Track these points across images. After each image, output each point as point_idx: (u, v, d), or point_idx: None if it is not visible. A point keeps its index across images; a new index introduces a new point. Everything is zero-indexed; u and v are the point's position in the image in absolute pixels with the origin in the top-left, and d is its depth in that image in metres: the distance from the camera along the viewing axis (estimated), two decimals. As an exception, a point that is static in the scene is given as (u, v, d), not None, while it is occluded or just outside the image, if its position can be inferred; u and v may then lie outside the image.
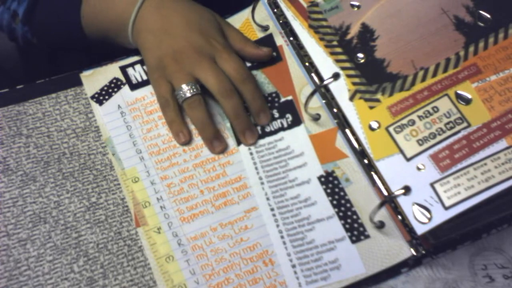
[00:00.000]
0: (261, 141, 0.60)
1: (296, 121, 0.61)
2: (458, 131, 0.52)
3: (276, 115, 0.62)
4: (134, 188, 0.58)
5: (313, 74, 0.61)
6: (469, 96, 0.53)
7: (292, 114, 0.62)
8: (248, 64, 0.65)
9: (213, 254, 0.54)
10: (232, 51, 0.62)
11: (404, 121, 0.54)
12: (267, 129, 0.61)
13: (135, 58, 0.67)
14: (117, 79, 0.65)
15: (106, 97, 0.64)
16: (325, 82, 0.58)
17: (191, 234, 0.55)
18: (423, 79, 0.55)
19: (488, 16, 0.55)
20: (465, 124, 0.52)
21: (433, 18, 0.57)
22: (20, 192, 0.57)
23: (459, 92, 0.53)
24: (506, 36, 0.54)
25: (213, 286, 0.52)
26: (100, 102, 0.63)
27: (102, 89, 0.64)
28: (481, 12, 0.55)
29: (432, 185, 0.50)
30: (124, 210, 0.57)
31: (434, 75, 0.55)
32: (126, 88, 0.64)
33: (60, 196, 0.57)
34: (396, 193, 0.51)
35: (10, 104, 0.63)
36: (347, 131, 0.58)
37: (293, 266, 0.53)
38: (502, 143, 0.50)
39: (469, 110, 0.52)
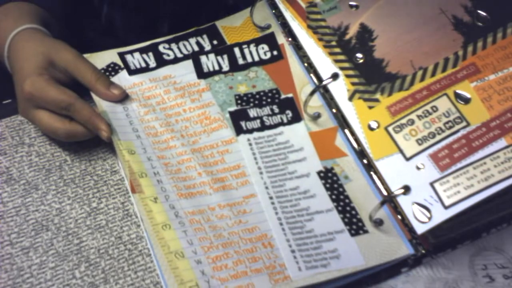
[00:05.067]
0: (261, 134, 0.60)
1: (296, 118, 0.61)
2: (457, 131, 0.52)
3: (276, 110, 0.62)
4: (130, 158, 0.57)
5: (312, 75, 0.62)
6: (468, 95, 0.53)
7: (292, 110, 0.62)
8: (249, 60, 0.66)
9: (212, 230, 0.53)
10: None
11: (404, 121, 0.54)
12: (267, 123, 0.61)
13: (134, 46, 0.67)
14: (115, 64, 0.65)
15: None
16: (324, 83, 0.58)
17: (189, 209, 0.54)
18: (422, 79, 0.55)
19: (487, 15, 0.55)
20: (464, 124, 0.52)
21: (432, 18, 0.57)
22: (22, 201, 0.58)
23: (458, 91, 0.53)
24: (504, 36, 0.54)
25: (212, 258, 0.51)
26: None
27: None
28: (479, 11, 0.55)
29: (431, 184, 0.51)
30: (124, 214, 0.57)
31: (433, 74, 0.55)
32: (124, 73, 0.64)
33: (61, 203, 0.58)
34: (396, 192, 0.51)
35: (13, 114, 0.63)
36: (346, 131, 0.58)
37: (293, 251, 0.52)
38: (501, 142, 0.50)
39: (468, 109, 0.52)
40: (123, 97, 0.62)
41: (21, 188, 0.58)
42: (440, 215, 0.49)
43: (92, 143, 0.61)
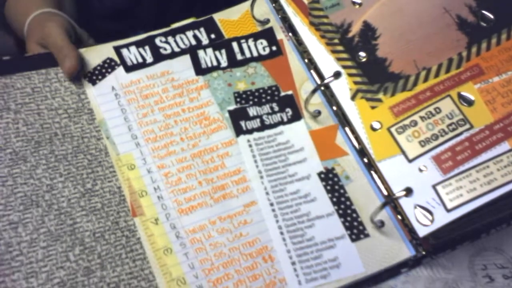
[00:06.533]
0: (261, 134, 0.60)
1: (296, 116, 0.61)
2: (461, 133, 0.52)
3: (276, 108, 0.61)
4: (130, 175, 0.57)
5: (312, 71, 0.61)
6: (472, 97, 0.53)
7: (292, 108, 0.61)
8: (248, 56, 0.65)
9: (212, 248, 0.53)
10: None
11: (406, 122, 0.54)
12: (267, 122, 0.60)
13: (131, 39, 0.65)
14: (111, 59, 0.64)
15: (100, 77, 0.62)
16: (326, 81, 0.58)
17: (190, 227, 0.54)
18: (426, 80, 0.54)
19: (491, 16, 0.54)
20: (467, 126, 0.52)
21: (436, 18, 0.56)
22: (9, 171, 0.55)
23: (461, 93, 0.53)
24: (509, 37, 0.53)
25: (213, 281, 0.52)
26: (93, 82, 0.62)
27: (95, 69, 0.63)
28: (484, 12, 0.55)
29: (434, 187, 0.50)
30: (121, 199, 0.55)
31: (437, 75, 0.54)
32: (120, 70, 0.63)
33: (53, 180, 0.55)
34: (398, 194, 0.51)
35: None
36: (347, 129, 0.57)
37: (293, 263, 0.52)
38: (505, 146, 0.50)
39: (471, 111, 0.52)
40: (76, 72, 0.61)
41: (7, 158, 0.55)
42: (442, 218, 0.49)
43: (84, 119, 0.59)
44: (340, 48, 0.59)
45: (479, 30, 0.54)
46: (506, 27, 0.54)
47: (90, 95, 0.61)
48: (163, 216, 0.55)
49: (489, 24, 0.54)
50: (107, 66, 0.63)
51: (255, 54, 0.65)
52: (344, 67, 0.58)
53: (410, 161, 0.52)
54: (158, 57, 0.65)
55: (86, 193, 0.55)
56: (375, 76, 0.56)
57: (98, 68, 0.63)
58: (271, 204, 0.55)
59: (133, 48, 0.65)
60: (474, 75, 0.53)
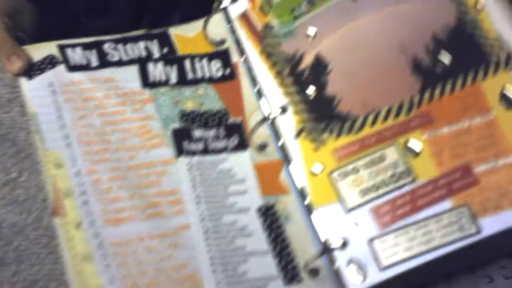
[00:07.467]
0: (203, 158, 0.57)
1: (242, 146, 0.58)
2: (403, 185, 0.48)
3: (222, 134, 0.58)
4: (56, 173, 0.53)
5: (261, 103, 0.58)
6: (418, 148, 0.49)
7: (238, 137, 0.58)
8: (199, 76, 0.62)
9: (136, 265, 0.50)
10: None
11: (348, 168, 0.50)
12: (211, 147, 0.57)
13: (77, 40, 0.62)
14: (53, 56, 0.60)
15: (38, 72, 0.59)
16: (271, 116, 0.55)
17: (115, 239, 0.51)
18: (373, 123, 0.51)
19: (447, 62, 0.51)
20: (410, 178, 0.49)
21: (391, 57, 0.53)
22: None
23: (408, 142, 0.50)
24: (464, 85, 0.50)
25: None
26: (30, 76, 0.58)
27: (34, 64, 0.59)
28: (440, 57, 0.51)
29: (370, 241, 0.48)
30: (48, 196, 0.51)
31: (385, 119, 0.51)
32: (62, 68, 0.59)
33: None
34: (333, 246, 0.48)
35: None
36: (291, 168, 0.54)
37: None
38: (447, 204, 0.47)
39: (416, 163, 0.49)
40: (22, 71, 0.58)
41: None
42: (376, 276, 0.47)
43: (15, 111, 0.57)
44: (289, 81, 0.55)
45: (433, 76, 0.51)
46: (462, 74, 0.50)
47: (24, 88, 0.58)
48: (87, 222, 0.51)
49: (445, 70, 0.51)
50: (48, 62, 0.60)
51: (207, 75, 0.62)
52: (291, 102, 0.55)
53: (348, 211, 0.49)
54: (104, 63, 0.61)
55: (9, 182, 0.52)
56: (321, 115, 0.53)
57: (38, 64, 0.59)
58: (205, 232, 0.52)
59: (78, 49, 0.61)
60: (424, 123, 0.50)
